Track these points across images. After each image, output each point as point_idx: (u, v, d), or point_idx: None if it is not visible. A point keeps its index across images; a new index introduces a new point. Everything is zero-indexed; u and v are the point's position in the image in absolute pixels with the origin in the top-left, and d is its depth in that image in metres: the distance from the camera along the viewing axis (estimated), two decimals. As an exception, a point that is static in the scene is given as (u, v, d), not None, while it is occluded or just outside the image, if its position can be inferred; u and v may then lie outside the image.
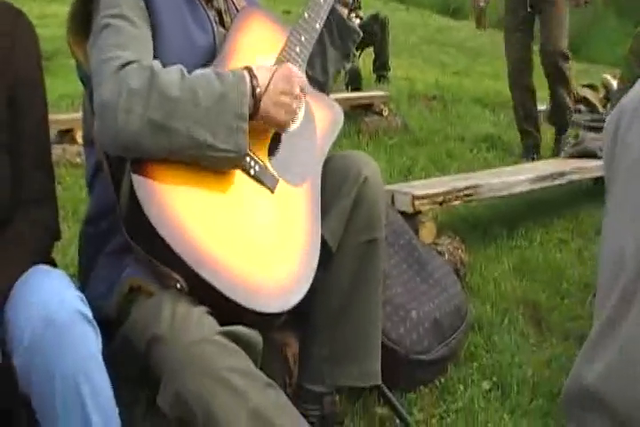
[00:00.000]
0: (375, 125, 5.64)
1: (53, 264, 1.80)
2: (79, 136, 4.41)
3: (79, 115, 4.66)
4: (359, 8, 6.99)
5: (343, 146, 4.53)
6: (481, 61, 11.01)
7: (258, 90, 1.72)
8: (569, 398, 1.66)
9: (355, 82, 6.70)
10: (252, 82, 1.72)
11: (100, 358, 1.49)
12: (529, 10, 4.93)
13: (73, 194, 3.77)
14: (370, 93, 6.24)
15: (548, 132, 5.59)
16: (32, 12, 9.14)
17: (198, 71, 1.71)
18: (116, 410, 1.51)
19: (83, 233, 1.96)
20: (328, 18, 2.04)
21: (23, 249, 1.68)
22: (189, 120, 1.63)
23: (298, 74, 1.83)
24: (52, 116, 4.63)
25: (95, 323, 1.52)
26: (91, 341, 1.49)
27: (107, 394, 1.49)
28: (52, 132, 4.51)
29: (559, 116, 5.36)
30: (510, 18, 5.14)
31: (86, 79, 1.86)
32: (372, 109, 5.86)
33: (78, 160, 4.31)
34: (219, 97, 1.66)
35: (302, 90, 1.83)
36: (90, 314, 1.51)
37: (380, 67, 7.40)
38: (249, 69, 1.74)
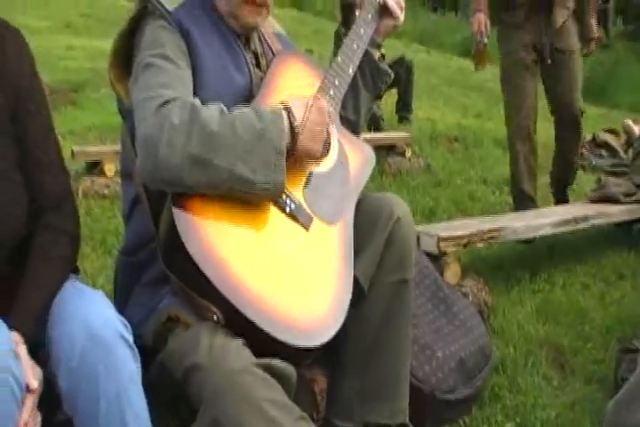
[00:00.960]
0: (398, 166, 5.68)
1: (78, 270, 1.85)
2: (107, 169, 4.49)
3: (107, 148, 4.78)
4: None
5: (367, 186, 4.56)
6: (502, 104, 11.05)
7: (296, 124, 1.78)
8: None
9: (376, 123, 6.75)
10: (289, 118, 1.78)
11: (140, 382, 1.53)
12: (548, 61, 4.43)
13: (101, 225, 3.82)
14: (392, 135, 6.28)
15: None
16: (59, 44, 9.33)
17: (237, 109, 1.77)
18: None
19: (120, 263, 2.01)
20: (361, 59, 2.10)
21: (51, 262, 1.68)
22: (229, 155, 1.68)
23: (327, 106, 1.90)
24: (80, 148, 4.75)
25: (135, 347, 1.55)
26: (132, 364, 1.52)
27: (146, 419, 1.52)
28: (81, 164, 4.60)
29: (568, 175, 4.95)
30: (513, 62, 4.49)
31: (126, 113, 1.92)
32: (394, 150, 5.88)
33: (106, 192, 4.37)
34: (258, 133, 1.71)
35: (330, 117, 1.91)
36: (130, 338, 1.54)
37: (404, 108, 7.45)
38: (285, 106, 1.80)
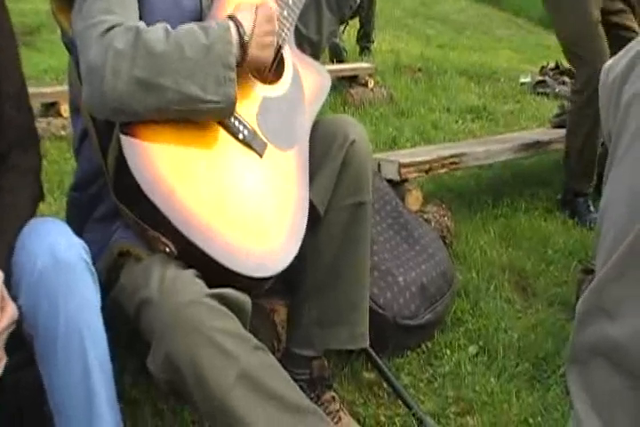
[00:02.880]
0: (361, 97, 5.62)
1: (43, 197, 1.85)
2: (64, 109, 4.40)
3: (64, 88, 4.67)
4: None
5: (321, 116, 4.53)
6: (466, 34, 10.99)
7: (245, 38, 1.73)
8: (590, 349, 1.66)
9: (339, 55, 6.68)
10: (238, 31, 1.72)
11: (99, 308, 1.52)
12: None
13: (58, 167, 3.76)
14: (355, 65, 6.21)
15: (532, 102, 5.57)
16: (13, -14, 9.08)
17: (182, 26, 1.71)
18: (111, 365, 1.52)
19: (70, 200, 1.97)
20: None
21: (21, 204, 1.67)
22: (177, 75, 1.63)
23: (277, 10, 1.85)
24: (36, 90, 4.64)
25: (96, 273, 1.54)
26: (92, 288, 1.52)
27: (103, 344, 1.51)
28: (37, 106, 4.50)
29: None
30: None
31: (71, 46, 1.85)
32: (357, 81, 5.83)
33: (63, 133, 4.29)
34: (205, 49, 1.65)
35: (282, 25, 1.88)
36: (91, 265, 1.53)
37: (365, 38, 7.36)
38: (233, 18, 1.74)
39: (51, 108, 4.46)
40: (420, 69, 6.84)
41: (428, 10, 12.58)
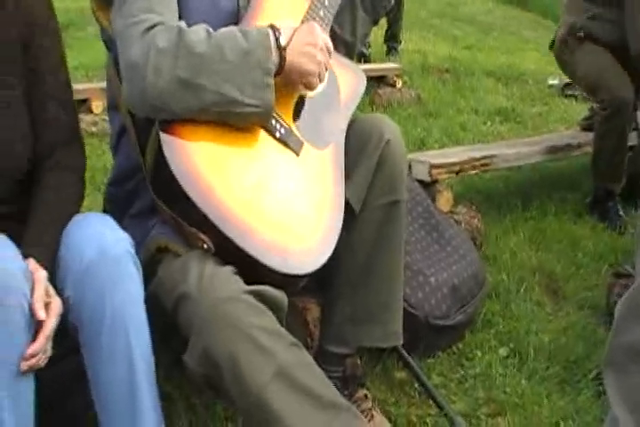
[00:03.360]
0: (388, 97, 5.62)
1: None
2: (95, 106, 4.44)
3: (94, 85, 4.71)
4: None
5: (356, 115, 4.54)
6: (493, 36, 10.94)
7: (283, 42, 1.73)
8: (628, 352, 1.65)
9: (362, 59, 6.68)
10: (275, 35, 1.73)
11: (143, 302, 1.54)
12: None
13: (90, 163, 3.75)
14: (383, 66, 6.21)
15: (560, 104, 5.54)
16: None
17: (223, 29, 1.72)
18: (153, 359, 1.54)
19: (107, 195, 1.99)
20: None
21: (64, 200, 1.69)
22: (216, 76, 1.64)
23: (319, 30, 1.83)
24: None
25: (141, 269, 1.56)
26: (138, 282, 1.54)
27: (147, 338, 1.53)
28: (68, 102, 4.52)
29: None
30: None
31: (110, 43, 1.87)
32: (385, 81, 5.84)
33: (94, 129, 4.33)
34: (244, 53, 1.67)
35: (326, 44, 1.84)
36: (137, 258, 1.55)
37: (392, 39, 7.36)
38: (272, 26, 1.75)
39: (82, 105, 4.48)
40: (447, 70, 6.83)
41: (455, 11, 12.54)
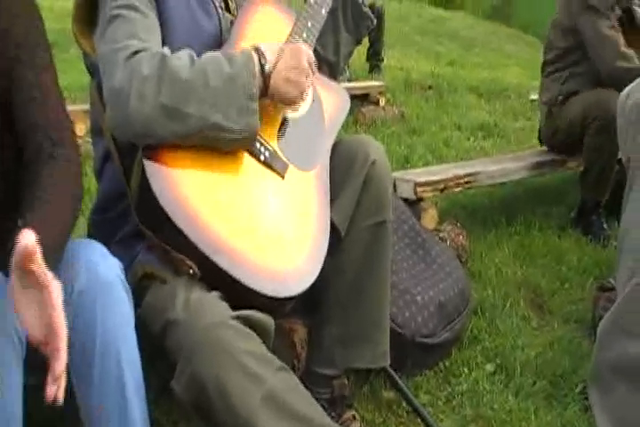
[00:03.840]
0: (372, 115, 5.65)
1: None
2: (78, 128, 4.41)
3: (77, 107, 4.70)
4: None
5: (341, 136, 4.56)
6: (475, 51, 11.03)
7: (267, 67, 1.75)
8: (611, 368, 1.67)
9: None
10: (260, 60, 1.75)
11: (133, 327, 1.53)
12: None
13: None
14: (366, 84, 6.26)
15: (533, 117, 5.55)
16: (26, 6, 9.13)
17: (207, 54, 1.74)
18: (144, 385, 1.54)
19: (91, 222, 1.98)
20: (344, 1, 2.07)
21: (66, 193, 1.60)
22: (200, 102, 1.65)
23: (306, 50, 1.84)
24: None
25: (131, 294, 1.55)
26: (129, 308, 1.53)
27: (138, 362, 1.53)
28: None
29: None
30: None
31: (93, 69, 1.88)
32: (368, 99, 5.88)
33: (77, 152, 4.31)
34: (228, 78, 1.68)
35: (311, 66, 1.84)
36: (127, 284, 1.55)
37: (374, 56, 7.40)
38: (256, 49, 1.76)
39: (65, 128, 4.48)
40: (430, 87, 6.88)
41: (437, 27, 12.62)
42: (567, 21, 3.87)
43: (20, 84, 1.69)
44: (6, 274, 1.37)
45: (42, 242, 1.32)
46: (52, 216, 1.50)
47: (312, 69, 1.85)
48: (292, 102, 1.83)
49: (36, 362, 1.43)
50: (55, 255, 1.44)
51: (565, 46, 3.92)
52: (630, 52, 3.72)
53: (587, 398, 2.28)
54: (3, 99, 1.67)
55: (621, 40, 3.73)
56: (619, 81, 3.56)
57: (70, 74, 6.26)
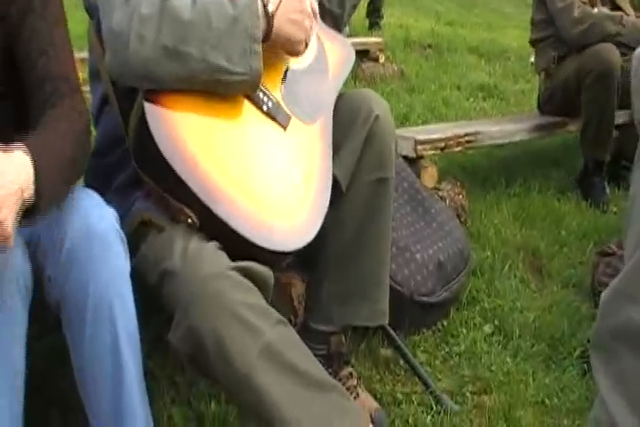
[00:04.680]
0: (371, 72, 5.58)
1: None
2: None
3: (75, 55, 4.61)
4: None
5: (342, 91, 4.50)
6: (475, 12, 10.90)
7: (270, 8, 1.69)
8: (614, 335, 1.64)
9: None
10: (263, 1, 1.68)
11: (129, 279, 1.49)
12: None
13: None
14: (366, 40, 6.16)
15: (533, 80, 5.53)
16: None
17: None
18: (138, 336, 1.49)
19: (89, 167, 1.92)
20: None
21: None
22: (202, 44, 1.59)
23: None
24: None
25: (127, 245, 1.50)
26: (124, 258, 1.48)
27: (133, 314, 1.48)
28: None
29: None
30: None
31: (92, 10, 1.80)
32: (368, 56, 5.79)
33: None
34: (231, 20, 1.62)
35: (314, 10, 1.80)
36: (122, 233, 1.50)
37: (374, 13, 7.30)
38: None
39: (59, 76, 4.40)
40: (429, 46, 6.80)
41: (436, -14, 12.47)
42: None
43: (31, 36, 1.64)
44: None
45: (35, 165, 1.32)
46: (49, 142, 1.45)
47: (315, 14, 1.80)
48: (295, 46, 1.77)
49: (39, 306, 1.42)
50: (54, 186, 1.40)
51: (545, 16, 3.95)
52: (586, 9, 3.76)
53: (585, 362, 2.27)
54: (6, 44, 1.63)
55: (577, 3, 3.75)
56: (586, 43, 3.66)
57: (69, 22, 6.18)
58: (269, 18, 1.69)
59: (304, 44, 1.79)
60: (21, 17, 1.64)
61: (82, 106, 1.64)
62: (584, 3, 3.78)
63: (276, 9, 1.71)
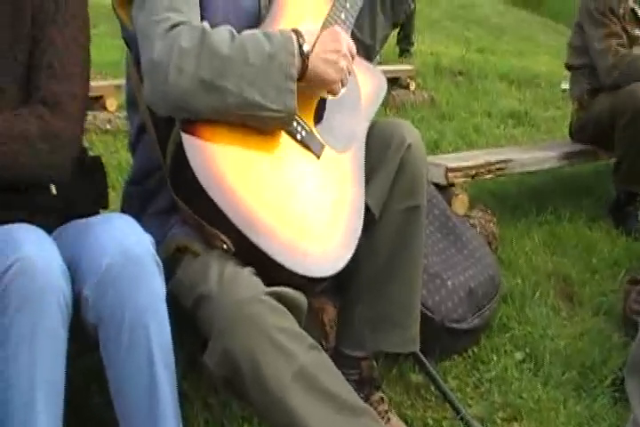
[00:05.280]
0: (402, 99, 5.62)
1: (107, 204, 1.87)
2: (109, 104, 4.43)
3: (108, 82, 4.69)
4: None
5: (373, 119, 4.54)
6: (505, 39, 10.95)
7: (306, 48, 1.72)
8: None
9: None
10: (299, 41, 1.72)
11: (164, 301, 1.52)
12: None
13: (104, 160, 3.77)
14: (397, 67, 6.21)
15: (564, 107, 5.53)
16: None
17: (247, 31, 1.72)
18: (173, 358, 1.53)
19: (126, 194, 1.98)
20: None
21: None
22: (239, 79, 1.63)
23: (344, 35, 1.83)
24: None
25: (162, 268, 1.55)
26: (160, 284, 1.53)
27: (168, 336, 1.52)
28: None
29: None
30: None
31: (130, 41, 1.86)
32: (398, 83, 5.83)
33: (108, 127, 4.33)
34: (268, 57, 1.66)
35: (350, 50, 1.83)
36: (158, 258, 1.54)
37: (405, 40, 7.36)
38: (296, 31, 1.74)
39: (96, 103, 4.47)
40: (460, 73, 6.83)
41: (467, 13, 12.54)
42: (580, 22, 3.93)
43: (45, 47, 1.70)
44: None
45: None
46: None
47: (352, 54, 1.84)
48: (331, 86, 1.81)
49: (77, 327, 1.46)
50: None
51: (583, 45, 3.93)
52: (623, 51, 3.72)
53: (616, 391, 2.27)
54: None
55: (613, 48, 3.72)
56: (624, 84, 3.63)
57: (100, 50, 6.28)
58: (304, 57, 1.73)
59: (339, 85, 1.82)
60: (45, 25, 1.70)
61: (53, 123, 1.67)
62: (621, 45, 3.75)
63: (312, 48, 1.75)
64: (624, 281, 2.89)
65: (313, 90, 1.82)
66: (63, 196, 1.74)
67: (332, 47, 1.78)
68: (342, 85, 1.83)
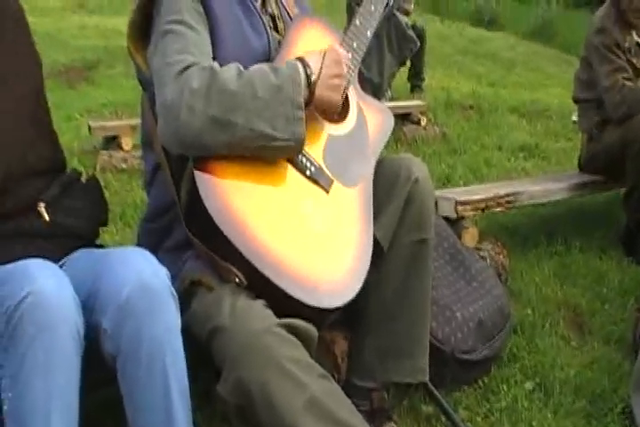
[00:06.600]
0: (413, 134, 5.67)
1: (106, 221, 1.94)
2: (125, 143, 4.51)
3: (124, 122, 4.80)
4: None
5: (382, 154, 4.58)
6: (516, 72, 11.00)
7: (313, 78, 1.81)
8: None
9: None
10: (305, 71, 1.80)
11: (180, 334, 1.58)
12: None
13: (120, 198, 3.86)
14: (408, 103, 6.25)
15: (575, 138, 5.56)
16: (73, 24, 9.33)
17: (254, 66, 1.80)
18: (189, 390, 1.58)
19: (141, 231, 2.04)
20: (389, 24, 2.12)
21: None
22: (248, 113, 1.71)
23: (345, 55, 1.92)
24: (96, 123, 4.80)
25: (177, 301, 1.60)
26: (175, 314, 1.58)
27: (184, 367, 1.57)
28: (99, 139, 4.63)
29: None
30: None
31: (145, 83, 1.94)
32: (409, 119, 5.87)
33: (124, 166, 4.40)
34: (275, 89, 1.74)
35: (349, 69, 1.93)
36: (174, 291, 1.60)
37: (416, 76, 7.42)
38: (301, 59, 1.82)
39: (112, 142, 4.56)
40: (471, 107, 6.87)
41: (478, 47, 12.60)
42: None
43: None
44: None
45: None
46: None
47: (350, 72, 1.94)
48: (333, 108, 1.90)
49: (95, 359, 1.51)
50: None
51: (590, 79, 3.99)
52: (629, 85, 3.78)
53: (627, 419, 2.29)
54: None
55: (619, 82, 3.78)
56: (631, 117, 3.69)
57: (116, 90, 6.41)
58: (311, 87, 1.81)
59: (340, 105, 1.91)
60: None
61: None
62: (627, 79, 3.80)
63: (318, 77, 1.83)
64: (633, 310, 2.92)
65: (318, 119, 1.91)
66: (57, 222, 1.79)
67: (336, 71, 1.87)
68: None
